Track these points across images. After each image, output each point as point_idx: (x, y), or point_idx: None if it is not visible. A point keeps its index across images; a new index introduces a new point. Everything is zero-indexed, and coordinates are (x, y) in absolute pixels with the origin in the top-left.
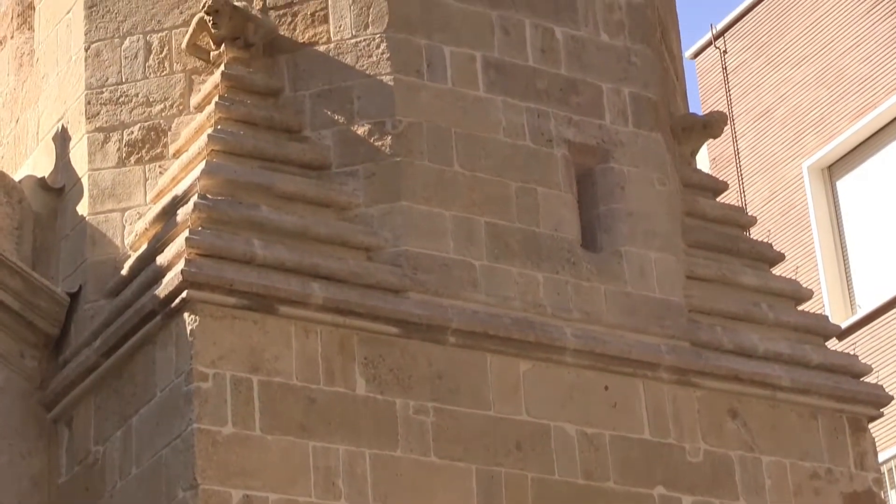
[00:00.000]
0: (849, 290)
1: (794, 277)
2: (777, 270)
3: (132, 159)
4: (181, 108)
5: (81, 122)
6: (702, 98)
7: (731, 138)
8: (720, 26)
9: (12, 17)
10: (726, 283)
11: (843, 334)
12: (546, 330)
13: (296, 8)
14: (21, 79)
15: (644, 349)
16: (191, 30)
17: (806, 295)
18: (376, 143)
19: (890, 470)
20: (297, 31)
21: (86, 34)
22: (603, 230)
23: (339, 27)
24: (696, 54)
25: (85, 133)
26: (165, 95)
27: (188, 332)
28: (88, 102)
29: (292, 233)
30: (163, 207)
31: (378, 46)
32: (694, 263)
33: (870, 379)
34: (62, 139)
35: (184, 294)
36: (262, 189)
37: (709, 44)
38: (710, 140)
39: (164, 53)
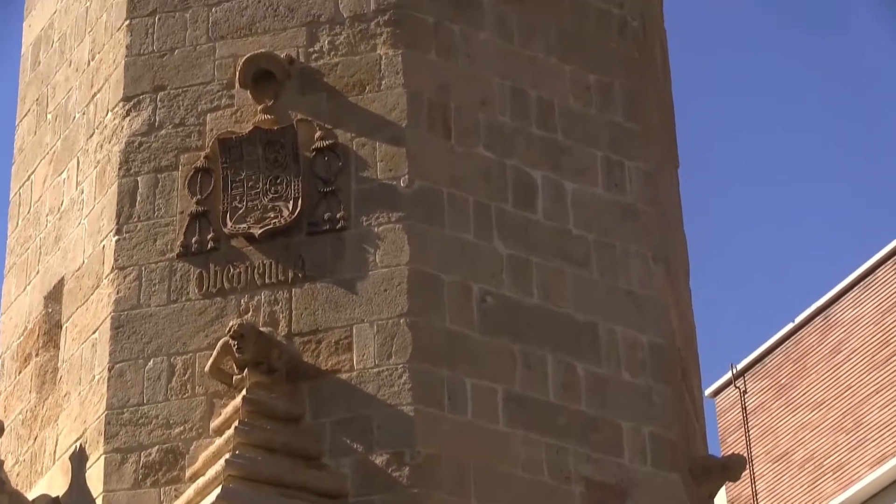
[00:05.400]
0: None
1: None
2: None
3: (148, 481)
4: (201, 431)
5: (100, 441)
6: (721, 437)
7: (749, 479)
8: (740, 366)
9: (38, 335)
10: None
11: None
12: None
13: (320, 335)
14: (42, 397)
15: None
16: (215, 353)
17: None
18: (394, 474)
19: None
20: (321, 358)
21: (110, 354)
22: None
23: (363, 356)
24: (716, 393)
25: (102, 453)
26: (186, 418)
27: None
28: (108, 423)
29: None
30: None
31: (400, 376)
32: None
33: None
34: (79, 458)
35: None
36: None
37: (729, 383)
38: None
39: (186, 376)
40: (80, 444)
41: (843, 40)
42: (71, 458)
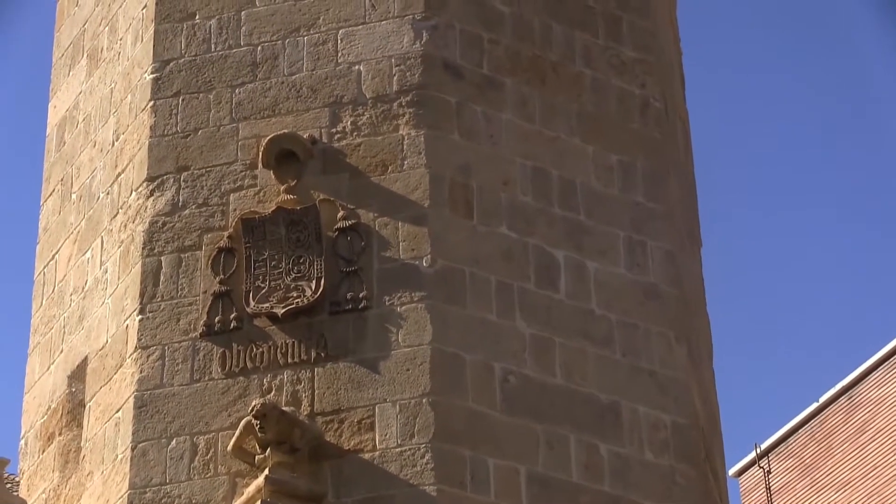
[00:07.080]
0: None
1: None
2: None
3: None
4: None
5: None
6: None
7: None
8: (765, 446)
9: (62, 415)
10: None
11: None
12: None
13: (343, 415)
14: (66, 476)
15: None
16: (237, 433)
17: None
18: None
19: None
20: (343, 437)
21: (133, 434)
22: None
23: (385, 435)
24: (740, 473)
25: None
26: (208, 498)
27: None
28: (131, 502)
29: None
30: None
31: (423, 456)
32: None
33: None
34: None
35: None
36: None
37: (753, 463)
38: None
39: (209, 455)
40: None
41: (864, 122)
42: None
